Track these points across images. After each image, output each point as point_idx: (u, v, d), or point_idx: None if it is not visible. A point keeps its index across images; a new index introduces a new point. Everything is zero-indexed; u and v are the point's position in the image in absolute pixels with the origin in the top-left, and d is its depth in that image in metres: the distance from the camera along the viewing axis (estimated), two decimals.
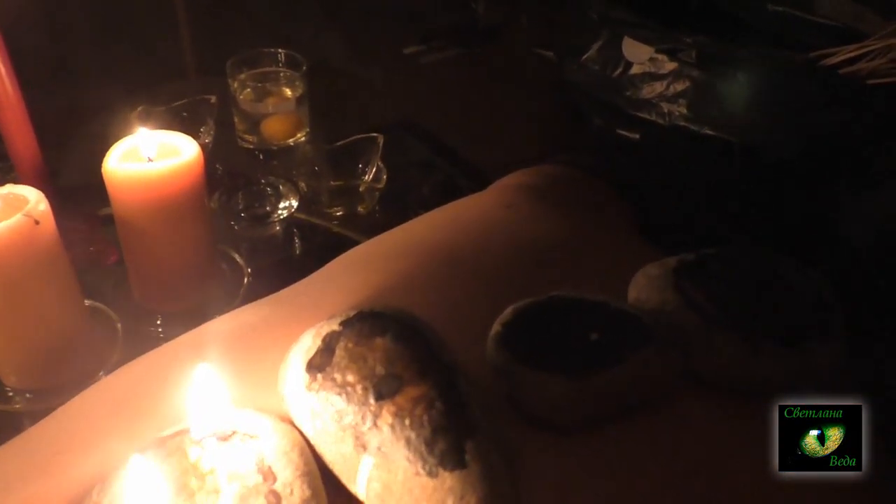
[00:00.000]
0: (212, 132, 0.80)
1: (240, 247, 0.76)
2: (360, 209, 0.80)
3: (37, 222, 0.55)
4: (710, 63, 0.65)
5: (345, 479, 0.34)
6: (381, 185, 0.80)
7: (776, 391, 0.39)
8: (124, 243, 0.67)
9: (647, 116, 0.70)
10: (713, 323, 0.39)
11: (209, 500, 0.32)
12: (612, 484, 0.36)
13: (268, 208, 0.78)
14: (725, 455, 0.37)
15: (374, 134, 0.79)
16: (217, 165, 0.82)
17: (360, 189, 0.79)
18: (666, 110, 0.69)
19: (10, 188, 0.58)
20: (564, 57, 0.80)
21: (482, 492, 0.31)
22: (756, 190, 0.63)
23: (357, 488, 0.33)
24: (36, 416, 0.43)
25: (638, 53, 0.72)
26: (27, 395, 0.61)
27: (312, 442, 0.35)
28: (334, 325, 0.36)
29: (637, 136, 0.73)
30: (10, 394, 0.61)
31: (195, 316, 0.51)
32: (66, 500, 0.35)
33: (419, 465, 0.32)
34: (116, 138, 0.61)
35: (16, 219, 0.55)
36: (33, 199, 0.57)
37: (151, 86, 0.83)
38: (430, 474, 0.31)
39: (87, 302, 0.66)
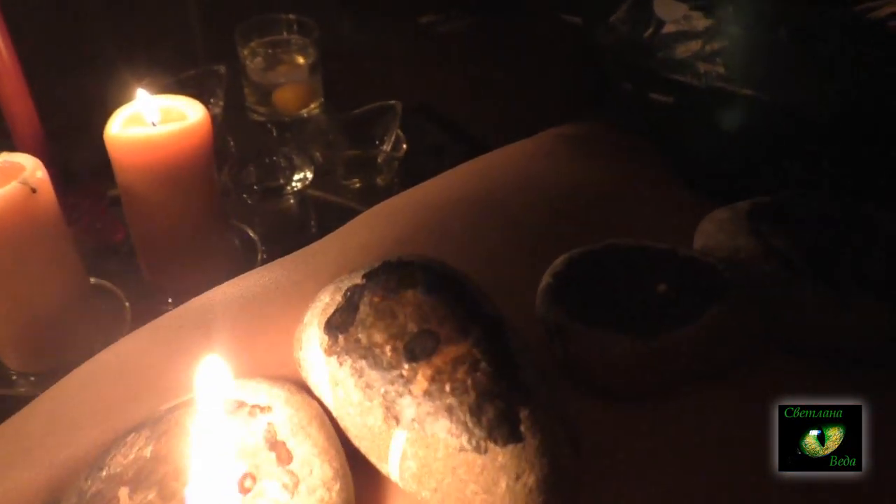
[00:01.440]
0: (221, 103, 0.76)
1: (253, 222, 0.72)
2: (378, 181, 0.76)
3: (33, 190, 0.52)
4: (749, 19, 0.60)
5: (374, 457, 0.28)
6: (400, 155, 0.75)
7: (865, 353, 0.34)
8: (130, 216, 0.63)
9: (682, 78, 0.65)
10: (798, 272, 0.34)
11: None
12: (682, 461, 0.30)
13: (281, 181, 0.74)
14: None
15: (393, 101, 0.75)
16: (228, 139, 0.78)
17: (379, 160, 0.74)
18: (702, 70, 0.64)
19: (5, 156, 0.55)
20: (591, 20, 0.75)
21: (542, 470, 0.26)
22: (799, 151, 0.57)
23: (389, 467, 0.28)
24: None
25: (670, 11, 0.67)
26: (31, 378, 0.58)
27: (334, 414, 0.30)
28: (356, 279, 0.31)
29: (671, 98, 0.68)
30: (14, 377, 0.58)
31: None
32: (52, 485, 0.31)
33: (464, 438, 0.26)
34: None
35: (11, 187, 0.51)
36: (30, 166, 0.54)
37: (162, 73, 0.79)
38: (478, 449, 0.26)
39: (92, 280, 0.63)
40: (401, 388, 0.27)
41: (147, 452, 0.28)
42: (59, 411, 0.35)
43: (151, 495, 0.26)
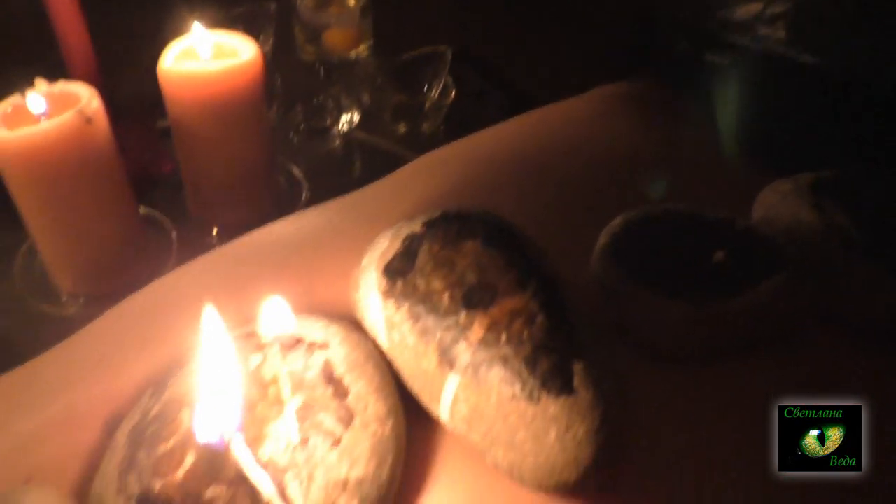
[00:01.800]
0: (270, 41, 0.76)
1: (298, 161, 0.72)
2: (424, 127, 0.76)
3: (89, 120, 0.53)
4: None
5: (426, 399, 0.29)
6: (447, 102, 0.75)
7: None
8: (179, 149, 0.64)
9: (740, 40, 0.63)
10: (856, 250, 0.33)
11: (271, 411, 0.28)
12: (728, 425, 0.31)
13: (328, 122, 0.74)
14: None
15: (442, 48, 0.74)
16: (277, 77, 0.78)
17: (425, 106, 0.74)
18: (761, 34, 0.62)
19: (62, 85, 0.56)
20: None
21: (592, 423, 0.26)
22: (858, 122, 0.56)
23: (440, 409, 0.29)
24: (88, 322, 0.41)
25: None
26: (80, 300, 0.60)
27: (389, 356, 0.31)
28: (416, 226, 0.31)
29: (726, 61, 0.66)
30: (64, 299, 0.60)
31: (252, 228, 0.47)
32: (113, 403, 0.32)
33: (517, 387, 0.27)
34: None
35: (67, 115, 0.52)
36: (85, 96, 0.55)
37: (213, 8, 0.78)
38: (531, 398, 0.26)
39: (141, 209, 0.64)
40: (457, 335, 0.28)
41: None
42: (119, 334, 0.36)
43: None
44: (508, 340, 0.27)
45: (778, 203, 0.36)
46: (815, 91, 0.58)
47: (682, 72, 0.65)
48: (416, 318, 0.29)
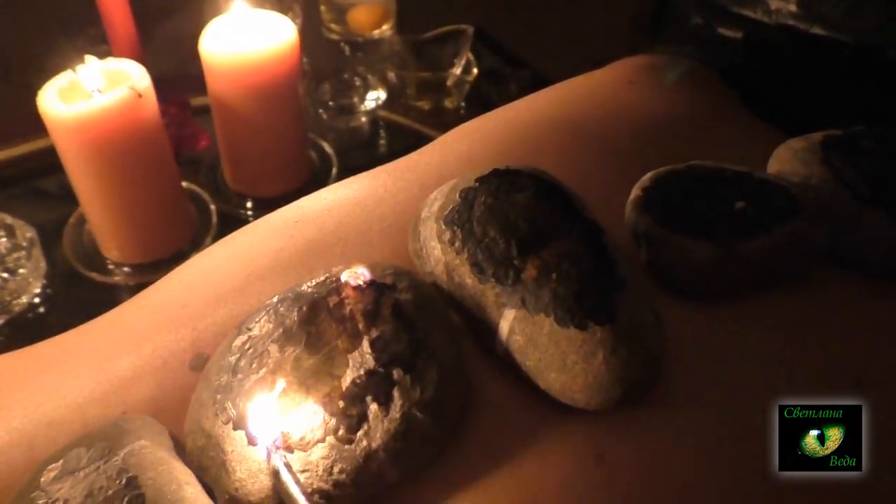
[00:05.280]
0: (298, 20, 0.79)
1: (327, 137, 0.75)
2: (446, 104, 0.79)
3: (140, 95, 0.56)
4: None
5: (484, 332, 0.33)
6: (470, 78, 0.78)
7: None
8: (219, 127, 0.67)
9: (752, 14, 0.66)
10: (863, 199, 0.37)
11: (352, 343, 0.31)
12: (752, 351, 0.34)
13: (355, 99, 0.77)
14: (861, 329, 0.36)
15: (464, 25, 0.77)
16: (304, 55, 0.81)
17: (449, 82, 0.77)
18: (773, 7, 0.65)
19: (110, 61, 0.58)
20: None
21: (633, 346, 0.30)
22: (871, 94, 0.58)
23: (497, 342, 0.33)
24: (133, 290, 0.44)
25: None
26: (125, 269, 0.63)
27: (450, 296, 0.34)
28: (469, 182, 0.35)
29: (739, 35, 0.68)
30: (111, 267, 0.64)
31: (286, 202, 0.51)
32: (197, 346, 0.36)
33: (567, 317, 0.31)
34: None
35: (122, 91, 0.55)
36: (136, 73, 0.58)
37: None
38: (580, 327, 0.30)
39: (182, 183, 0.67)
40: (511, 275, 0.32)
41: (291, 318, 0.32)
42: (193, 287, 0.40)
43: (298, 350, 0.31)
44: (558, 278, 0.31)
45: (791, 158, 0.39)
46: (826, 61, 0.60)
47: (695, 45, 0.68)
48: (473, 261, 0.33)
